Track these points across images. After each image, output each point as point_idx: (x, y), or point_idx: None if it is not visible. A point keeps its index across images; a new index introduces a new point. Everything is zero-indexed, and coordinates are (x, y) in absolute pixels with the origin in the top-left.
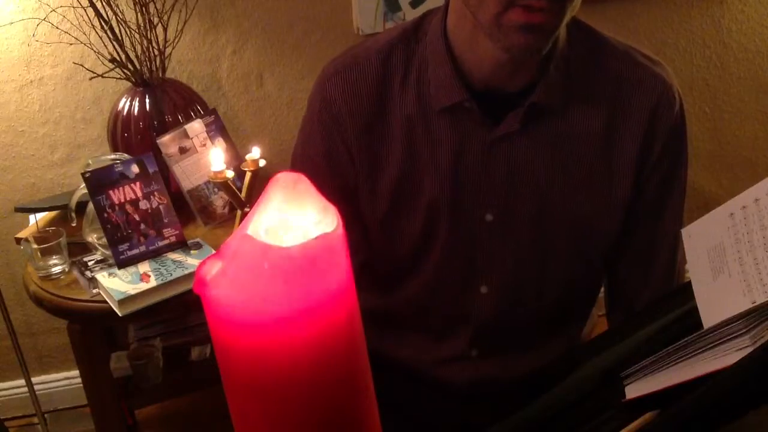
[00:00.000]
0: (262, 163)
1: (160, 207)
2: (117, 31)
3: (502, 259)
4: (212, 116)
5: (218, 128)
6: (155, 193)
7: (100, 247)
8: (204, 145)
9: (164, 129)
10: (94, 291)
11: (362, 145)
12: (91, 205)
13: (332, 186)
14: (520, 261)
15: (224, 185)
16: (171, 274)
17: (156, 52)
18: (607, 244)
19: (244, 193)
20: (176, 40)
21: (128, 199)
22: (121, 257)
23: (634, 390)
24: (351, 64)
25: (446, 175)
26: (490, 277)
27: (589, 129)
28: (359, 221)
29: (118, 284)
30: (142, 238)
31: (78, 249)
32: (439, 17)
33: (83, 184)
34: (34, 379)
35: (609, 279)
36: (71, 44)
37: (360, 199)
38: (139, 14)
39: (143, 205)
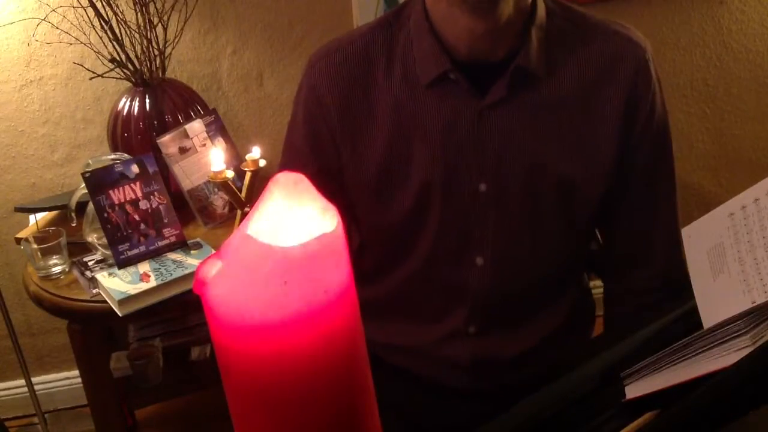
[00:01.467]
0: (262, 163)
1: (160, 207)
2: (117, 31)
3: (496, 229)
4: (212, 116)
5: (218, 128)
6: (155, 193)
7: (100, 247)
8: (204, 145)
9: (164, 129)
10: (94, 291)
11: (346, 127)
12: (91, 205)
13: (314, 167)
14: (514, 230)
15: (224, 185)
16: (171, 274)
17: (156, 52)
18: (595, 208)
19: (244, 193)
20: (176, 40)
21: (128, 199)
22: (121, 257)
23: (634, 390)
24: (335, 50)
25: (437, 150)
26: (484, 249)
27: (573, 94)
28: (342, 205)
29: (118, 284)
30: (142, 238)
31: (78, 249)
32: (420, 0)
33: (83, 184)
34: (34, 379)
35: (608, 255)
36: (71, 44)
37: (346, 179)
38: (139, 14)
39: (143, 205)
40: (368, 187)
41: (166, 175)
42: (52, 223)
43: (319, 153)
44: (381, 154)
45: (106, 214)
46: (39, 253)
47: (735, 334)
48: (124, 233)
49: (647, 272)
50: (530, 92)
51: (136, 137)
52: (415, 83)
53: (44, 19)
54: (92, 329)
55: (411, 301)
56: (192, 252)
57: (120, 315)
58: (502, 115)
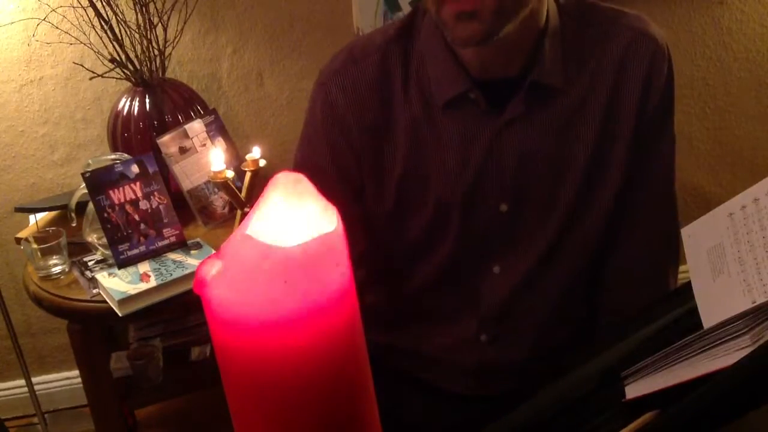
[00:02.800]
0: (262, 163)
1: (160, 207)
2: (117, 31)
3: (515, 243)
4: (212, 116)
5: (218, 128)
6: (155, 193)
7: (100, 247)
8: (204, 145)
9: (164, 129)
10: (94, 291)
11: (366, 144)
12: (91, 205)
13: (339, 190)
14: (534, 241)
15: (224, 185)
16: (171, 274)
17: (156, 52)
18: (609, 215)
19: (244, 193)
20: (176, 40)
21: (128, 199)
22: (121, 257)
23: (634, 390)
24: (349, 64)
25: (456, 171)
26: (502, 258)
27: (591, 99)
28: (366, 222)
29: (118, 284)
30: (142, 238)
31: (78, 249)
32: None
33: (83, 184)
34: (34, 379)
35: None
36: (71, 44)
37: (366, 196)
38: (139, 14)
39: (143, 205)
40: (386, 204)
41: (166, 175)
42: (52, 223)
43: (344, 174)
44: (400, 173)
45: (106, 214)
46: (39, 253)
47: (735, 334)
48: (124, 233)
49: (628, 252)
50: (548, 104)
51: (136, 137)
52: (430, 102)
53: (44, 19)
54: (92, 329)
55: (424, 307)
56: (192, 252)
57: (120, 315)
58: (520, 131)
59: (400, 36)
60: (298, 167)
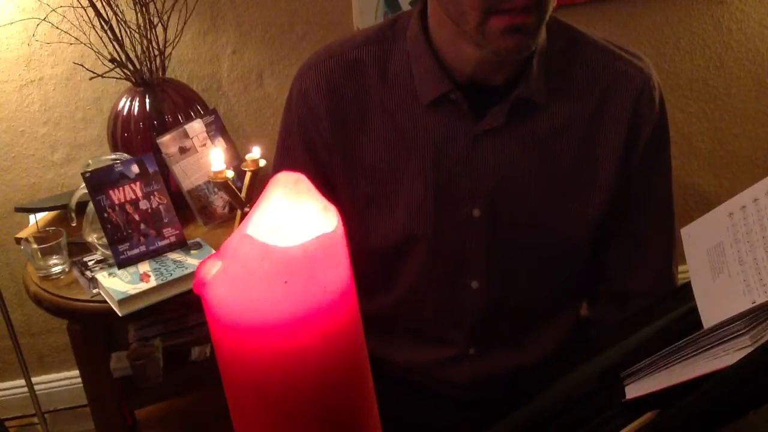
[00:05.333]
0: (262, 163)
1: (160, 207)
2: (117, 31)
3: (491, 254)
4: (212, 116)
5: (218, 128)
6: (155, 193)
7: (100, 247)
8: (204, 145)
9: (164, 129)
10: (94, 291)
11: (338, 138)
12: (91, 205)
13: (313, 177)
14: (510, 255)
15: (224, 185)
16: (171, 274)
17: (156, 52)
18: (593, 232)
19: (244, 193)
20: (176, 40)
21: (128, 199)
22: (121, 257)
23: (634, 390)
24: (326, 58)
25: (430, 170)
26: (479, 272)
27: (573, 122)
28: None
29: (118, 284)
30: (142, 238)
31: (78, 249)
32: (416, 16)
33: (83, 184)
34: (34, 379)
35: (598, 271)
36: (71, 44)
37: (339, 193)
38: (139, 14)
39: (143, 205)
40: (357, 203)
41: (166, 175)
42: (52, 223)
43: (317, 161)
44: (372, 171)
45: (106, 214)
46: (39, 253)
47: (735, 334)
48: (124, 233)
49: (636, 283)
50: (529, 120)
51: (136, 137)
52: (412, 101)
53: (44, 19)
54: (92, 329)
55: (407, 321)
56: (192, 252)
57: (120, 315)
58: (498, 141)
59: (380, 36)
60: (278, 153)
